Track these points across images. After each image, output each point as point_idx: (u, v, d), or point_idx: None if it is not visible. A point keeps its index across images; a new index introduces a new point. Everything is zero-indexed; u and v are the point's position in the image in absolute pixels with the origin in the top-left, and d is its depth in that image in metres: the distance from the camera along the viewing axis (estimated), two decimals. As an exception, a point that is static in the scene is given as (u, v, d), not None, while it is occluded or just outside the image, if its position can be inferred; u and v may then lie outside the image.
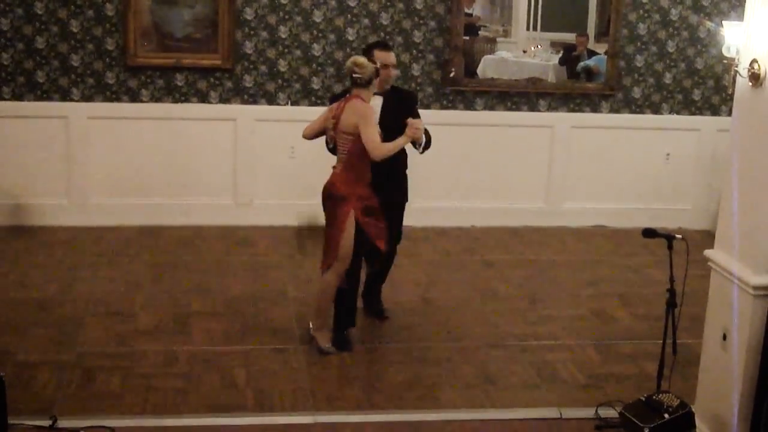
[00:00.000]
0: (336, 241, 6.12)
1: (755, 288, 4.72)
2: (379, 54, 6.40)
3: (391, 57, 6.52)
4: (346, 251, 6.13)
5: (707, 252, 5.16)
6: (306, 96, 8.98)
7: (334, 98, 6.50)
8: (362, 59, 6.10)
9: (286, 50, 8.99)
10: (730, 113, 6.08)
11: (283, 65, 9.01)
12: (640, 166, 9.65)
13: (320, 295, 6.34)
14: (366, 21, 9.01)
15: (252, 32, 8.91)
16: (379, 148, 5.99)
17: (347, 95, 6.18)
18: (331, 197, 6.17)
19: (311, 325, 6.43)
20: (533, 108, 9.45)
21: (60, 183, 8.89)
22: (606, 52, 9.46)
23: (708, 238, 5.70)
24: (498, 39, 9.70)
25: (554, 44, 9.77)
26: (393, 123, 6.23)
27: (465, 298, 7.53)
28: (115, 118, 8.87)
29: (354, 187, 6.10)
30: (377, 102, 6.32)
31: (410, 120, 6.20)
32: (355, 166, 6.10)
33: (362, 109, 6.03)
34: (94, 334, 6.47)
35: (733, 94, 5.09)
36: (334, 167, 6.22)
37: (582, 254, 8.85)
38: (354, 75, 6.05)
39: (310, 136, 6.39)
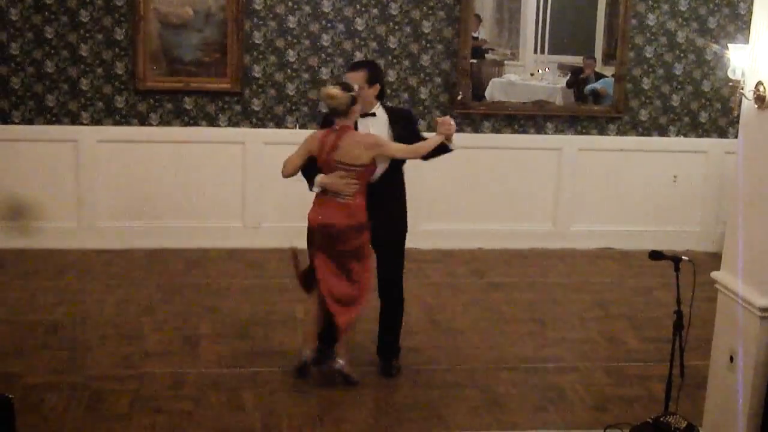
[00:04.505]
0: (369, 271, 6.15)
1: (762, 310, 4.72)
2: (347, 75, 6.30)
3: (356, 77, 6.15)
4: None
5: (714, 274, 5.17)
6: (314, 119, 9.00)
7: (325, 121, 6.32)
8: (334, 90, 5.94)
9: (294, 74, 9.05)
10: (737, 135, 6.09)
11: (291, 89, 9.06)
12: (647, 189, 9.66)
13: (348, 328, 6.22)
14: (374, 45, 9.06)
15: (260, 56, 8.97)
16: (417, 150, 6.09)
17: (333, 125, 6.05)
18: (358, 228, 6.03)
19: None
20: (541, 131, 9.47)
21: (69, 206, 8.92)
22: (613, 75, 9.50)
23: (715, 260, 5.70)
24: (505, 62, 9.75)
25: (561, 67, 9.81)
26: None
27: (472, 320, 7.53)
28: (125, 142, 8.92)
29: (366, 214, 6.09)
30: (381, 119, 6.20)
31: (440, 118, 6.18)
32: (363, 195, 6.06)
33: (369, 139, 6.01)
34: (102, 356, 6.49)
35: (739, 116, 5.11)
36: (337, 198, 6.01)
37: (589, 276, 8.85)
38: (330, 107, 5.99)
39: (293, 173, 6.14)
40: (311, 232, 6.10)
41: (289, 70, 9.04)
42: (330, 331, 6.30)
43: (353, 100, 5.97)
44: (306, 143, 6.11)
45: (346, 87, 5.98)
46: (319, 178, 6.01)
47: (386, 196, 6.17)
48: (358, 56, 9.03)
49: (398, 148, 6.06)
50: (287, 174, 6.12)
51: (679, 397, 5.36)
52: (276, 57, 9.00)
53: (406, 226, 6.40)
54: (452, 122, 6.11)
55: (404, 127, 6.24)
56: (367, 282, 6.14)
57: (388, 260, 6.31)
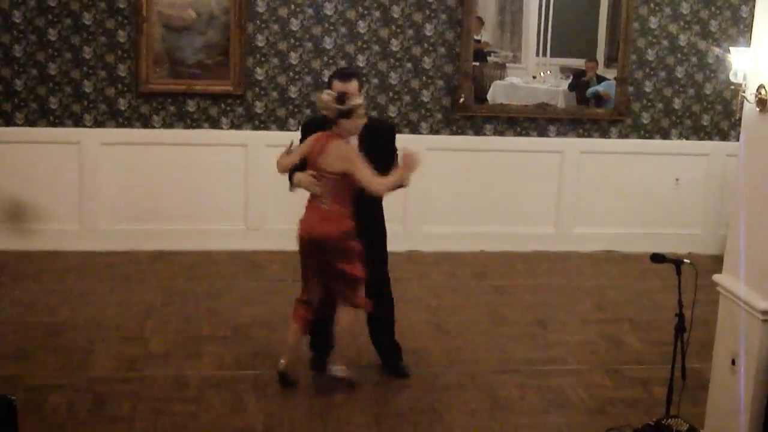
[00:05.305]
0: (362, 276, 5.97)
1: (764, 313, 4.72)
2: (336, 85, 5.86)
3: (350, 87, 5.83)
4: None
5: (715, 277, 5.17)
6: (316, 122, 9.02)
7: (313, 123, 6.13)
8: (324, 96, 5.73)
9: (296, 76, 9.05)
10: (738, 138, 6.10)
11: (293, 91, 9.07)
12: (649, 191, 9.66)
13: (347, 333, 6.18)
14: (376, 48, 9.07)
15: (263, 59, 8.98)
16: (379, 186, 5.78)
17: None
18: (348, 236, 5.89)
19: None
20: (543, 133, 9.48)
21: (72, 208, 8.94)
22: (615, 78, 9.50)
23: (717, 262, 5.70)
24: (508, 65, 9.76)
25: (564, 70, 9.83)
26: (368, 160, 5.79)
27: (474, 322, 7.53)
28: (127, 144, 8.93)
29: (352, 219, 5.93)
30: (353, 140, 5.93)
31: (408, 153, 5.70)
32: (347, 203, 5.91)
33: (346, 153, 5.81)
34: (104, 358, 6.50)
35: (740, 119, 5.12)
36: (320, 204, 5.92)
37: (591, 279, 8.85)
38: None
39: (287, 170, 5.99)
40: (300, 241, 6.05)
41: (291, 73, 9.05)
42: (322, 339, 6.39)
43: (341, 113, 5.75)
44: (305, 144, 5.97)
45: (340, 99, 5.74)
46: (296, 174, 5.90)
47: (365, 199, 5.95)
48: (361, 59, 9.04)
49: (364, 176, 5.73)
50: (281, 170, 6.04)
51: (681, 400, 5.35)
52: (278, 60, 9.01)
53: (384, 225, 6.29)
54: (420, 158, 5.76)
55: (376, 142, 6.00)
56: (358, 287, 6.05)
57: (372, 260, 6.08)
